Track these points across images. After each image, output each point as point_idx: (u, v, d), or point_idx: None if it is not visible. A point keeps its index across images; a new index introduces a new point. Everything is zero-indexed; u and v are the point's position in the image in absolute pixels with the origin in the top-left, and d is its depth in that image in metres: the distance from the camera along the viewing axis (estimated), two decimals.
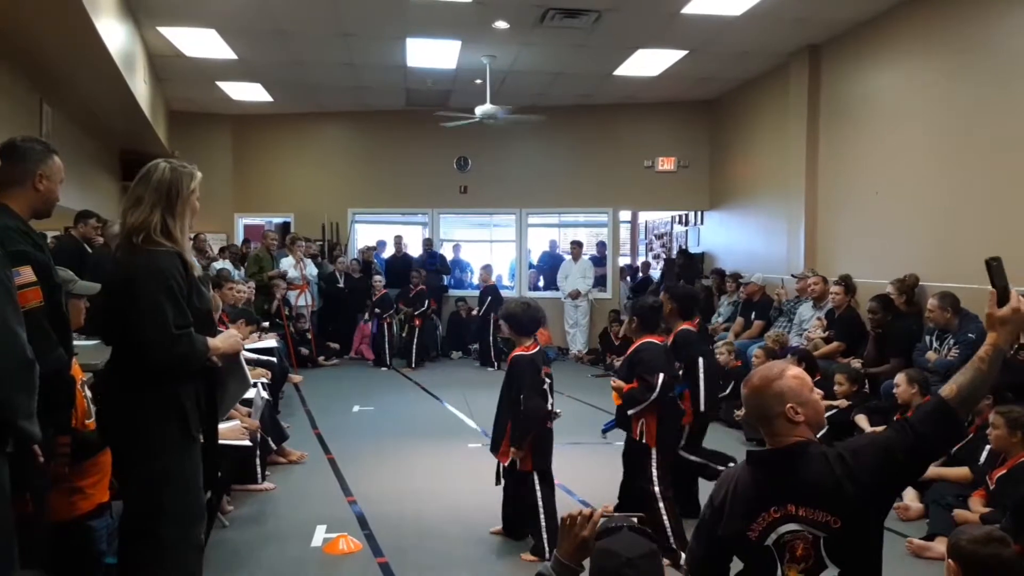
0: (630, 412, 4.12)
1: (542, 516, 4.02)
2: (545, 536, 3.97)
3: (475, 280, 13.18)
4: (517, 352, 4.12)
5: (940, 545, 3.76)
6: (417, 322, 10.52)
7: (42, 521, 2.68)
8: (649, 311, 4.32)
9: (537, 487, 4.06)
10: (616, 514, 2.06)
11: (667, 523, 4.01)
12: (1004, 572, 2.37)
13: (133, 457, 2.57)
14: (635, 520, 2.00)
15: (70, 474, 2.94)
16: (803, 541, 1.99)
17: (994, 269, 1.99)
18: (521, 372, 4.05)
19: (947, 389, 2.01)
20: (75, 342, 2.97)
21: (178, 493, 2.58)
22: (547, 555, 3.87)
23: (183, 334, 2.52)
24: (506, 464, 4.13)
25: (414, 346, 10.48)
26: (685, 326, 4.65)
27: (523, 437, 4.01)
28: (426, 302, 10.75)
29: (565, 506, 4.86)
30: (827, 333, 7.05)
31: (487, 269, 11.43)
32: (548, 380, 4.13)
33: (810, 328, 7.34)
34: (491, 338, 10.46)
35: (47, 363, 2.40)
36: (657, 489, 4.10)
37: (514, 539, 4.27)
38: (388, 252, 12.52)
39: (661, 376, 4.02)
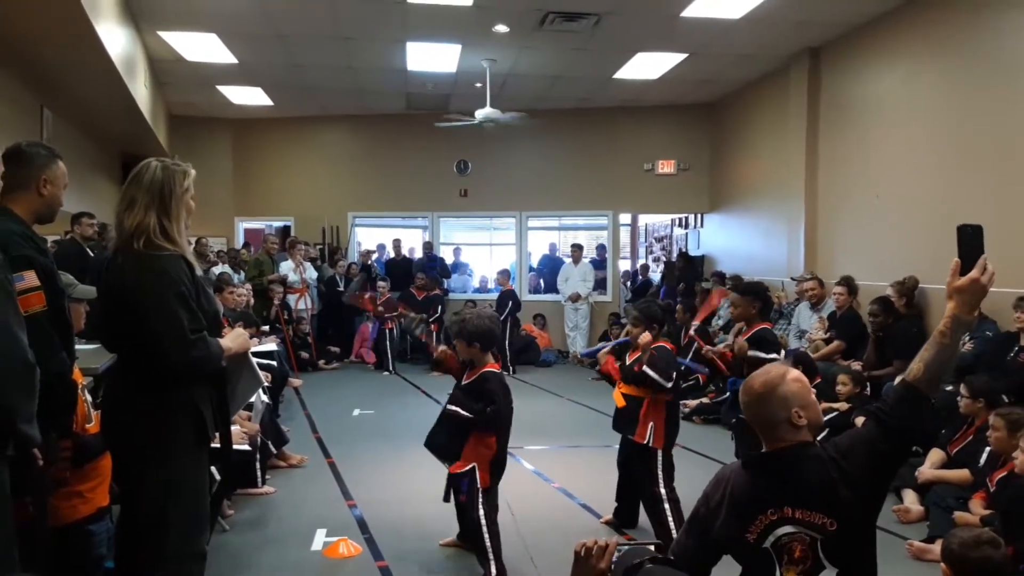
0: (642, 369, 4.15)
1: (487, 536, 3.73)
2: (492, 562, 3.69)
3: (475, 284, 13.21)
4: (489, 368, 3.84)
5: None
6: (434, 327, 10.48)
7: (42, 525, 2.68)
8: (663, 315, 4.41)
9: (480, 503, 3.76)
10: (630, 544, 2.00)
11: (671, 524, 4.03)
12: (994, 574, 2.38)
13: (142, 464, 2.53)
14: (651, 548, 1.97)
15: (70, 478, 2.94)
16: (800, 543, 1.99)
17: (968, 237, 1.94)
18: (496, 385, 3.78)
19: (914, 369, 1.99)
20: (76, 346, 2.97)
21: (185, 502, 2.56)
22: None
23: (198, 338, 2.52)
24: (457, 473, 3.82)
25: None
26: (764, 325, 4.58)
27: (485, 429, 3.77)
28: (440, 306, 10.75)
29: (565, 509, 4.88)
30: (828, 334, 7.06)
31: (504, 274, 11.38)
32: None
33: (812, 329, 7.34)
34: (507, 343, 10.42)
35: (50, 367, 2.40)
36: (663, 491, 4.13)
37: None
38: (387, 256, 12.54)
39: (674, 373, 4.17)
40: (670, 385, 4.13)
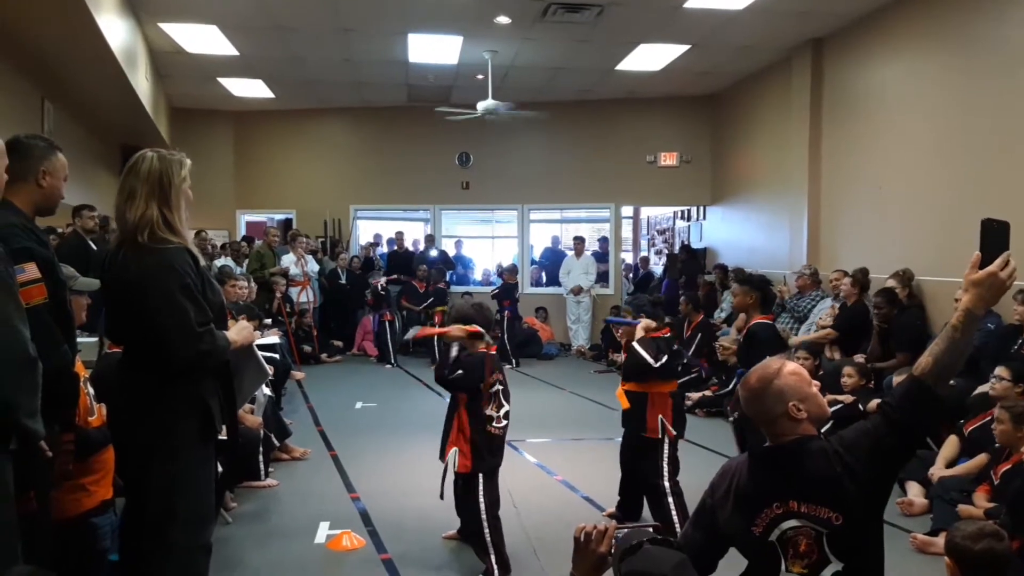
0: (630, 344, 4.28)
1: (487, 529, 3.70)
2: (492, 555, 3.68)
3: (477, 276, 13.19)
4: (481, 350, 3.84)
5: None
6: (437, 319, 10.48)
7: (45, 518, 2.67)
8: (651, 308, 4.43)
9: (481, 492, 3.74)
10: (629, 527, 2.00)
11: (675, 517, 4.04)
12: (998, 567, 2.37)
13: (149, 457, 2.52)
14: (650, 530, 1.97)
15: (74, 471, 2.93)
16: (806, 537, 1.97)
17: (992, 232, 1.91)
18: (469, 357, 3.80)
19: (922, 363, 1.95)
20: (77, 339, 2.96)
21: (193, 495, 2.55)
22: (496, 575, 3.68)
23: (205, 331, 2.50)
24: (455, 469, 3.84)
25: (435, 342, 10.43)
26: (761, 319, 4.60)
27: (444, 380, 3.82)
28: (446, 298, 10.71)
29: (568, 502, 4.89)
30: (834, 320, 7.04)
31: (512, 270, 11.37)
32: (501, 385, 3.82)
33: (823, 316, 7.30)
34: (505, 336, 10.42)
35: (51, 360, 2.39)
36: (666, 484, 4.14)
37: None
38: (387, 247, 12.52)
39: (666, 357, 4.21)
40: (657, 365, 4.16)
